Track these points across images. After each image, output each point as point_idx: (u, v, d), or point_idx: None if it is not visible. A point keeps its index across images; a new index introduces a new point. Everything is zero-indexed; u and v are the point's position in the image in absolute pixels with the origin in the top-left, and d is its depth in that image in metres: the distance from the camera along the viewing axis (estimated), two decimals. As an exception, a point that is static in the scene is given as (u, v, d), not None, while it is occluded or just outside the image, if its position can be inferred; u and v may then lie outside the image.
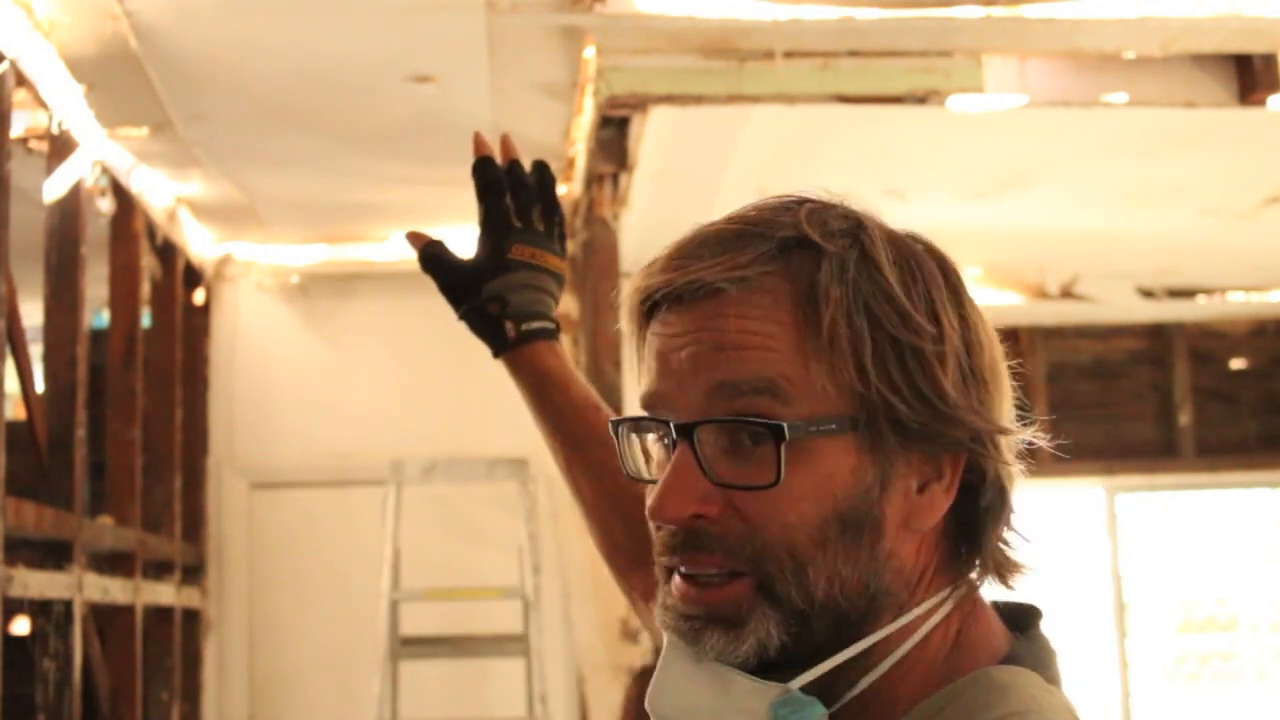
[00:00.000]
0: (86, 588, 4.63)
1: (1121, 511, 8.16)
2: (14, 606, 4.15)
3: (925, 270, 1.14)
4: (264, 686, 6.95)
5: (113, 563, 5.30)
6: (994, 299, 7.70)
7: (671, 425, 1.07)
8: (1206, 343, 8.22)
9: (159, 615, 6.02)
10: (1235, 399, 8.22)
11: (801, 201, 1.20)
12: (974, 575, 1.11)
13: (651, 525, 1.07)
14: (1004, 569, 1.13)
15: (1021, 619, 1.20)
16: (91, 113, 4.80)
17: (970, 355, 1.09)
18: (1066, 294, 7.70)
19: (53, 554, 4.43)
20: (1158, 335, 8.17)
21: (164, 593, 5.96)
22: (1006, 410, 1.16)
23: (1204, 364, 8.20)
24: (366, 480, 6.92)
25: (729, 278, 1.07)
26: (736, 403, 1.03)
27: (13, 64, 3.96)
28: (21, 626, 4.58)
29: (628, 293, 1.13)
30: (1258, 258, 7.48)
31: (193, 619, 6.68)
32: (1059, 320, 7.89)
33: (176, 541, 6.20)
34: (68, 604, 4.44)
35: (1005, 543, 1.12)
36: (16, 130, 4.34)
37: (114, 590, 5.07)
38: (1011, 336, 8.11)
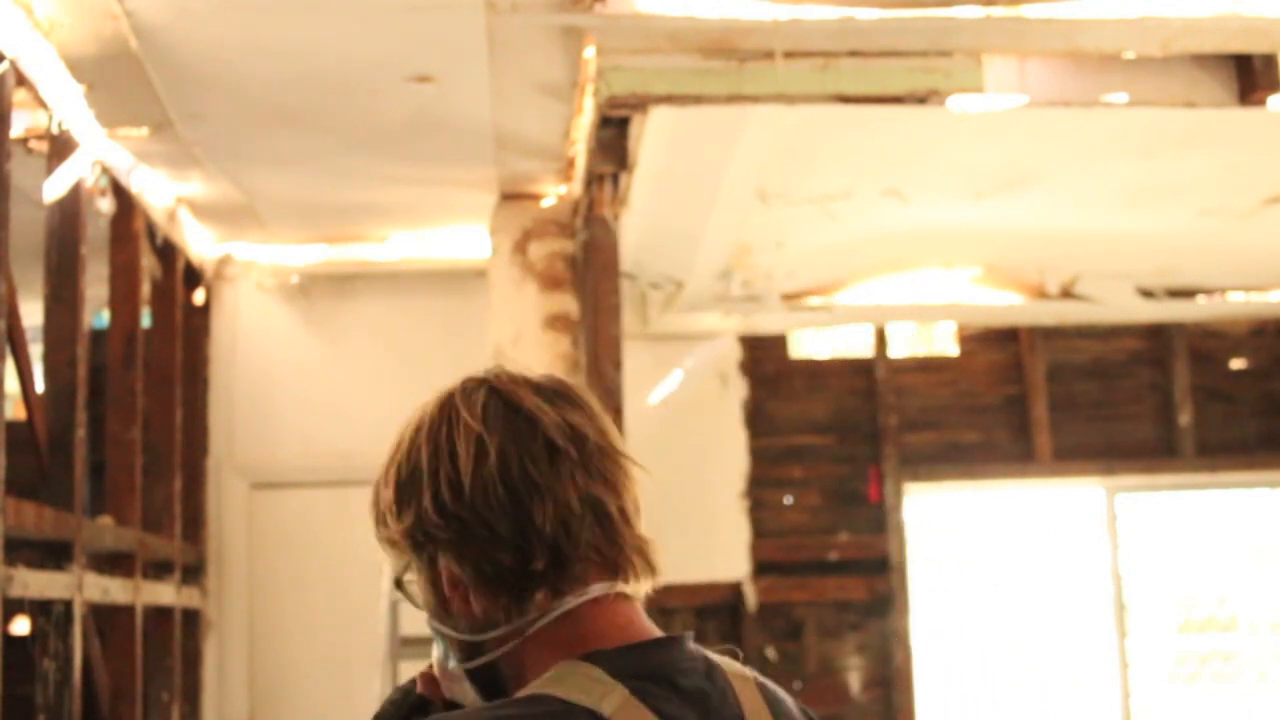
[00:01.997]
0: (86, 588, 4.63)
1: (1121, 511, 8.16)
2: (14, 607, 4.15)
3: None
4: (264, 686, 6.95)
5: (113, 563, 5.30)
6: (994, 299, 7.70)
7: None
8: (1206, 343, 8.22)
9: (159, 615, 6.02)
10: (1235, 399, 8.22)
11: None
12: (534, 609, 1.39)
13: None
14: (562, 592, 1.39)
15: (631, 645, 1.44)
16: (91, 113, 4.80)
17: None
18: (1066, 294, 7.70)
19: (53, 554, 4.43)
20: (1158, 335, 8.17)
21: (164, 593, 5.96)
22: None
23: (1204, 364, 8.20)
24: (366, 480, 6.90)
25: None
26: None
27: (13, 64, 3.96)
28: (22, 627, 4.58)
29: None
30: (1258, 258, 7.48)
31: (193, 619, 6.68)
32: (1059, 320, 7.89)
33: (176, 541, 6.20)
34: (68, 604, 4.44)
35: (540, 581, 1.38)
36: (16, 130, 4.34)
37: (114, 590, 5.07)
38: (1011, 336, 8.13)
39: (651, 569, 1.52)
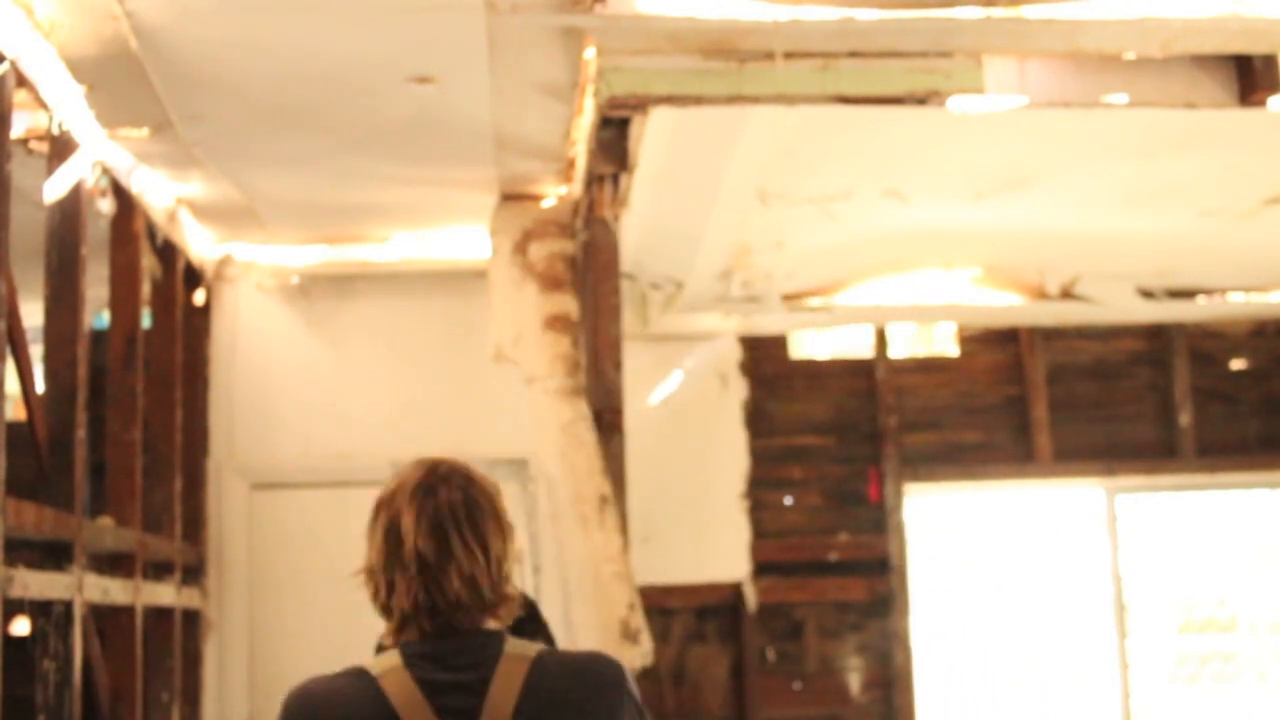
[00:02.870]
0: (87, 588, 4.63)
1: (1122, 512, 8.16)
2: (14, 607, 4.15)
3: None
4: (264, 687, 6.95)
5: (113, 563, 5.30)
6: (994, 299, 7.70)
7: None
8: (1206, 343, 8.22)
9: (159, 616, 6.02)
10: (1235, 399, 8.22)
11: None
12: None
13: None
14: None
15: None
16: (92, 113, 4.80)
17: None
18: (1066, 295, 7.70)
19: (53, 555, 4.43)
20: (1158, 336, 8.17)
21: (164, 593, 5.96)
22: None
23: (1204, 365, 8.20)
24: (366, 480, 6.91)
25: None
26: None
27: (13, 65, 3.96)
28: (22, 627, 4.58)
29: None
30: (1258, 258, 7.48)
31: (193, 619, 6.68)
32: (1059, 321, 7.90)
33: (177, 542, 6.20)
34: (68, 605, 4.44)
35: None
36: (17, 131, 4.34)
37: (114, 591, 5.07)
38: (1012, 337, 8.13)
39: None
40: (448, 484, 2.14)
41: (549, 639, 2.28)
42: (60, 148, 4.67)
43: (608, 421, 5.02)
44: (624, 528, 5.13)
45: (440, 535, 2.07)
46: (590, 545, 5.16)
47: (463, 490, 2.14)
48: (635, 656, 5.05)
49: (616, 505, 5.13)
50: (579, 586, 6.25)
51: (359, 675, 2.10)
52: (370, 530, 2.16)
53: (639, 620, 5.13)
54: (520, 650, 2.09)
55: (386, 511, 2.13)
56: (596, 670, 2.13)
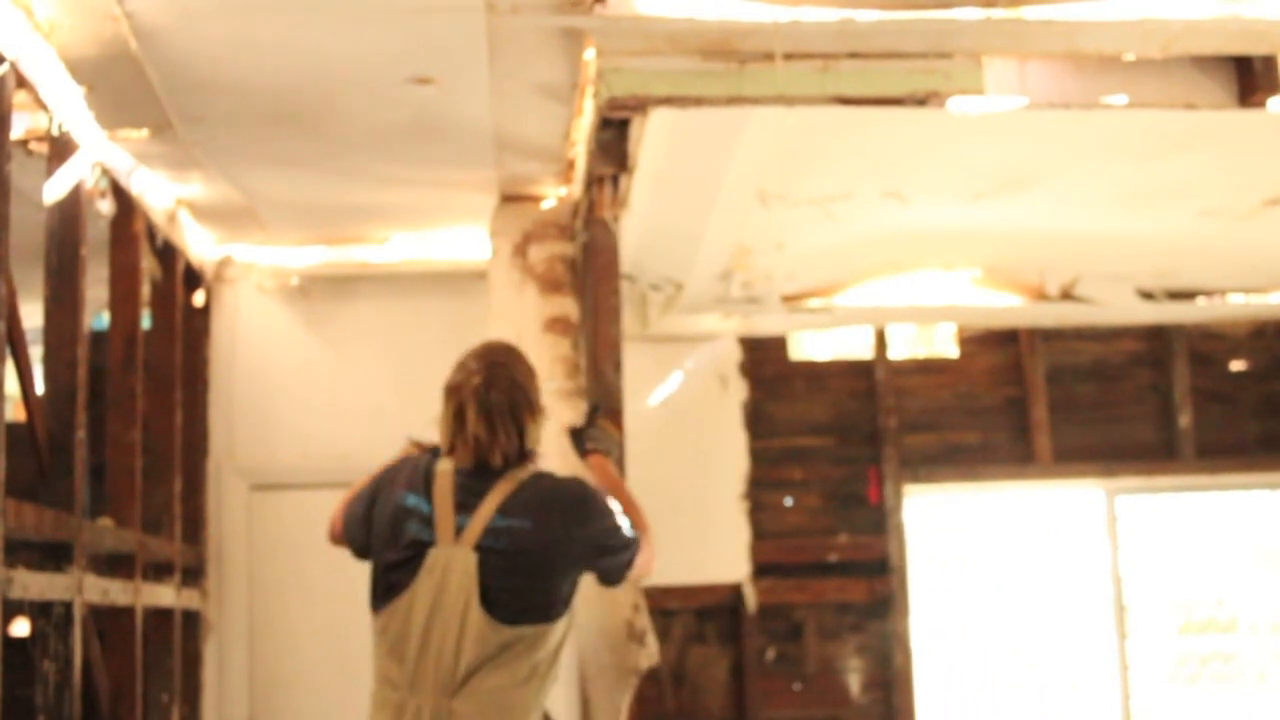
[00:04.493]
0: (86, 589, 4.63)
1: (1121, 513, 8.16)
2: (14, 608, 4.15)
3: None
4: (264, 688, 6.95)
5: (113, 564, 5.30)
6: (994, 300, 7.70)
7: None
8: (1206, 344, 8.22)
9: (159, 617, 6.01)
10: (1235, 401, 8.23)
11: None
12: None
13: None
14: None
15: None
16: (91, 114, 4.80)
17: None
18: (1066, 295, 7.70)
19: (53, 556, 4.43)
20: (1158, 337, 8.18)
21: (164, 594, 5.96)
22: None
23: (1204, 366, 8.20)
24: (366, 482, 6.91)
25: None
26: None
27: (13, 66, 3.96)
28: (22, 628, 4.57)
29: None
30: (1258, 259, 7.48)
31: (193, 620, 6.68)
32: (1059, 322, 7.90)
33: (176, 543, 6.20)
34: (68, 605, 4.44)
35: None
36: (17, 132, 4.34)
37: (114, 592, 5.07)
38: (1011, 338, 8.13)
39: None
40: (498, 387, 3.21)
41: (604, 439, 3.75)
42: (60, 148, 4.67)
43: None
44: None
45: (490, 425, 3.19)
46: None
47: (508, 393, 3.21)
48: (641, 657, 5.05)
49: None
50: (582, 588, 6.25)
51: (431, 460, 3.28)
52: (443, 408, 3.26)
53: (644, 621, 5.13)
54: (516, 474, 3.20)
55: (455, 399, 3.23)
56: (562, 488, 3.24)
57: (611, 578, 3.31)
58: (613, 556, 3.26)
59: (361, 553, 3.38)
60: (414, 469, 3.28)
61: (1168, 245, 7.20)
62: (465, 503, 3.15)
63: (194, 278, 6.77)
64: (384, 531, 3.23)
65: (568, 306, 6.04)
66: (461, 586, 3.09)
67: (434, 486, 3.19)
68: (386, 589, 3.20)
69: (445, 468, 3.22)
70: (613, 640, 5.05)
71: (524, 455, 3.22)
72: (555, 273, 6.05)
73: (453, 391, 3.23)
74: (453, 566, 3.11)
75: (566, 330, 5.98)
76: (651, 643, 5.09)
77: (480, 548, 3.11)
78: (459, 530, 3.13)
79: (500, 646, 3.10)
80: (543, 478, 3.21)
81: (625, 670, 5.12)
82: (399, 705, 3.13)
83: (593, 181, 5.18)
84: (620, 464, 3.97)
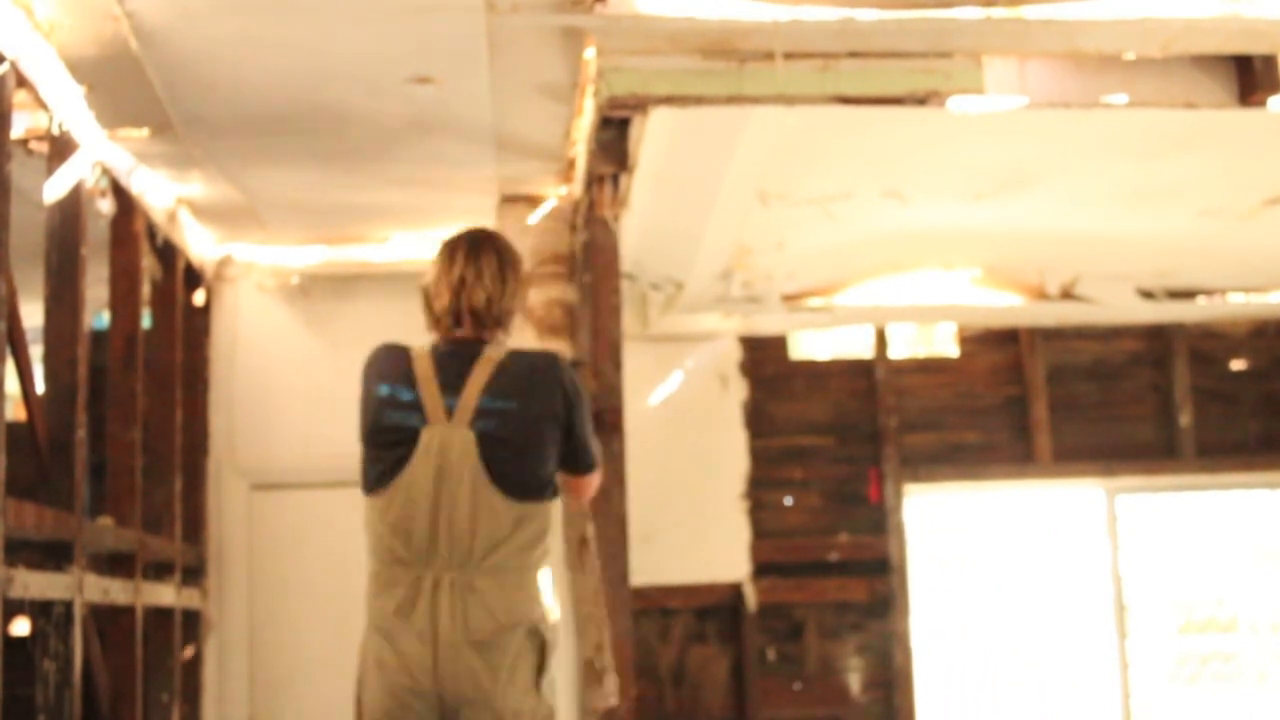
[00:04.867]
0: (87, 589, 4.62)
1: (1122, 512, 8.16)
2: (14, 607, 4.15)
3: None
4: (264, 687, 6.95)
5: (113, 564, 5.30)
6: (994, 300, 7.70)
7: None
8: (1207, 344, 8.22)
9: (159, 616, 6.01)
10: (1235, 400, 8.23)
11: None
12: None
13: None
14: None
15: None
16: (92, 114, 4.80)
17: None
18: (1067, 295, 7.71)
19: (53, 555, 4.43)
20: (1158, 336, 8.18)
21: (164, 594, 5.96)
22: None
23: (1204, 365, 8.21)
24: (367, 481, 6.91)
25: None
26: None
27: (13, 65, 3.96)
28: (22, 627, 4.57)
29: None
30: (1258, 259, 7.48)
31: (193, 620, 6.68)
32: (1059, 321, 7.90)
33: (177, 542, 6.20)
34: (68, 605, 4.44)
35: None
36: (17, 131, 4.34)
37: (114, 591, 5.07)
38: (1012, 338, 8.13)
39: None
40: (490, 244, 3.46)
41: None
42: (60, 148, 4.67)
43: (608, 422, 5.01)
44: (602, 568, 5.10)
45: (476, 268, 3.39)
46: (568, 586, 5.15)
47: (497, 252, 3.43)
48: (598, 698, 5.03)
49: (597, 547, 5.12)
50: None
51: (406, 348, 3.46)
52: (436, 260, 3.47)
53: (605, 661, 5.10)
54: (492, 354, 3.35)
55: (449, 250, 3.45)
56: (539, 363, 3.38)
57: (572, 464, 3.44)
58: (583, 448, 3.43)
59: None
60: (388, 358, 3.47)
61: (1168, 245, 7.20)
62: (449, 383, 3.31)
63: (194, 277, 6.77)
64: (370, 421, 3.42)
65: (565, 351, 6.04)
66: (463, 464, 3.25)
67: (415, 371, 3.36)
68: (381, 473, 3.37)
69: (421, 350, 3.41)
70: (575, 676, 5.06)
71: (500, 319, 3.40)
72: (553, 317, 6.03)
73: (445, 248, 3.46)
74: (450, 444, 3.27)
75: (565, 330, 5.98)
76: (610, 683, 5.07)
77: (474, 428, 3.25)
78: (449, 411, 3.29)
79: (514, 523, 3.27)
80: (519, 356, 3.35)
81: (584, 711, 5.12)
82: (414, 580, 3.28)
83: (593, 181, 5.18)
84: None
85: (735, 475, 7.83)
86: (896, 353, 8.14)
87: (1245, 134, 5.59)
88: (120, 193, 5.43)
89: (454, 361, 3.34)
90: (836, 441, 8.00)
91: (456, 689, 3.29)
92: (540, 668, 3.32)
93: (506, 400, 3.28)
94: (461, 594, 3.27)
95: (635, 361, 6.86)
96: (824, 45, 4.41)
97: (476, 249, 3.42)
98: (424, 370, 3.36)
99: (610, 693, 5.09)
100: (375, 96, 4.86)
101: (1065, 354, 8.16)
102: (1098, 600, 8.07)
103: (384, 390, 3.40)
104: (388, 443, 3.36)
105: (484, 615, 3.26)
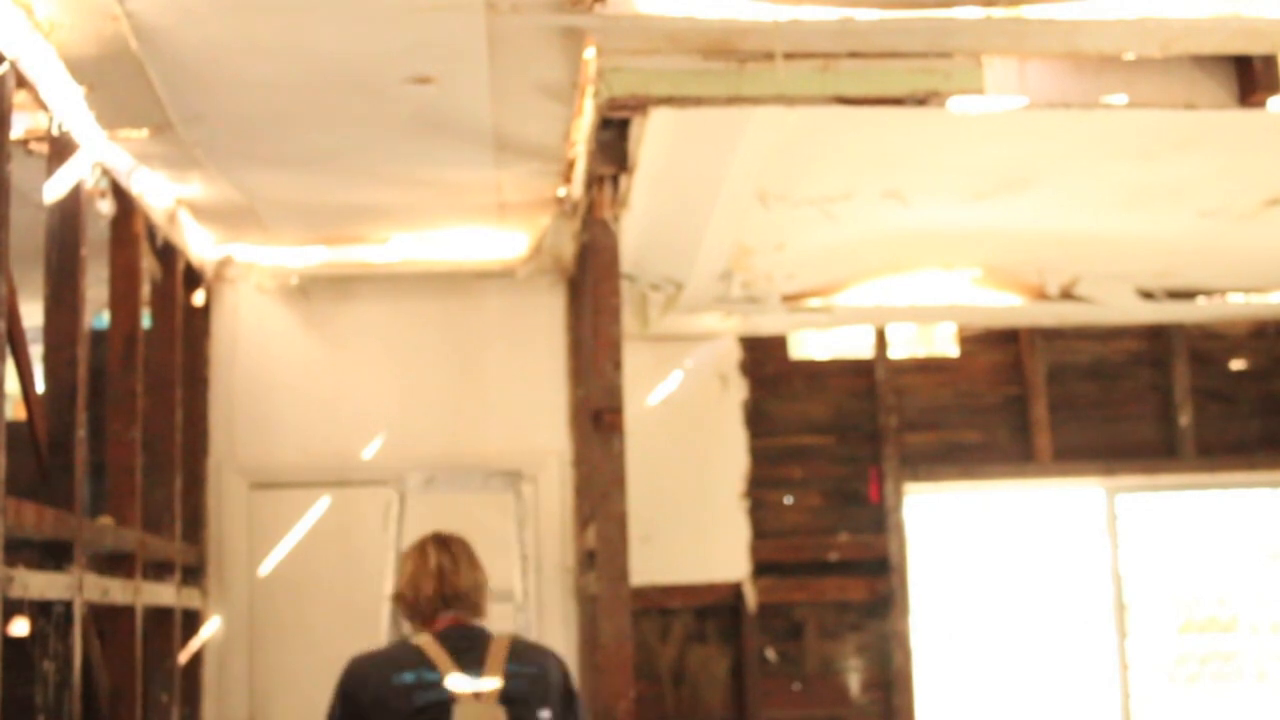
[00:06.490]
0: (86, 588, 4.63)
1: (1122, 512, 8.16)
2: (14, 607, 4.14)
3: None
4: (264, 687, 6.95)
5: (113, 563, 5.30)
6: (994, 300, 7.70)
7: None
8: (1206, 344, 8.22)
9: (159, 616, 6.02)
10: (1235, 400, 8.23)
11: None
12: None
13: None
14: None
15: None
16: (92, 114, 4.80)
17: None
18: (1066, 295, 7.71)
19: (53, 555, 4.43)
20: (1158, 336, 8.18)
21: (164, 593, 5.96)
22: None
23: (1204, 365, 8.20)
24: (366, 480, 6.93)
25: None
26: None
27: (13, 65, 3.96)
28: (21, 627, 4.57)
29: None
30: (1258, 259, 7.48)
31: (193, 620, 6.68)
32: (1059, 321, 7.90)
33: (177, 542, 6.20)
34: (68, 605, 4.44)
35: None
36: (17, 132, 4.34)
37: (114, 591, 5.07)
38: (1012, 337, 8.13)
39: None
40: (453, 539, 3.93)
41: None
42: (60, 148, 4.67)
43: (608, 421, 5.01)
44: (602, 568, 5.09)
45: (451, 558, 3.85)
46: None
47: (463, 547, 3.91)
48: None
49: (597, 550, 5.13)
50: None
51: (403, 641, 3.80)
52: (407, 560, 3.90)
53: None
54: (501, 634, 3.79)
55: (419, 550, 3.90)
56: (541, 646, 3.91)
57: None
58: (579, 713, 3.82)
59: None
60: (396, 652, 3.78)
61: (1168, 245, 7.20)
62: (467, 665, 3.65)
63: (194, 278, 6.78)
64: (398, 708, 3.59)
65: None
66: None
67: (427, 656, 3.66)
68: None
69: (424, 639, 3.72)
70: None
71: (480, 603, 3.84)
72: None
73: (413, 550, 3.91)
74: (483, 716, 3.63)
75: (566, 330, 5.95)
76: None
77: (502, 696, 3.62)
78: (476, 693, 3.63)
79: None
80: (521, 639, 3.87)
81: None
82: None
83: (593, 181, 5.18)
84: None
85: (735, 475, 7.83)
86: (896, 353, 8.13)
87: (1245, 134, 5.59)
88: (120, 193, 5.43)
89: (465, 643, 3.70)
90: (836, 441, 8.00)
91: None
92: None
93: (529, 666, 3.71)
94: None
95: (635, 361, 6.86)
96: (824, 45, 4.41)
97: (444, 542, 3.88)
98: (437, 654, 3.66)
99: None
100: (375, 96, 4.86)
101: (1065, 354, 8.16)
102: (1097, 600, 8.07)
103: (409, 678, 3.62)
104: None
105: None
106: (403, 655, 3.68)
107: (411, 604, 3.79)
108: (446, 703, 3.56)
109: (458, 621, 3.74)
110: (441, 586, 3.75)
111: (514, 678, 3.64)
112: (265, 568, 7.02)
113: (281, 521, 7.07)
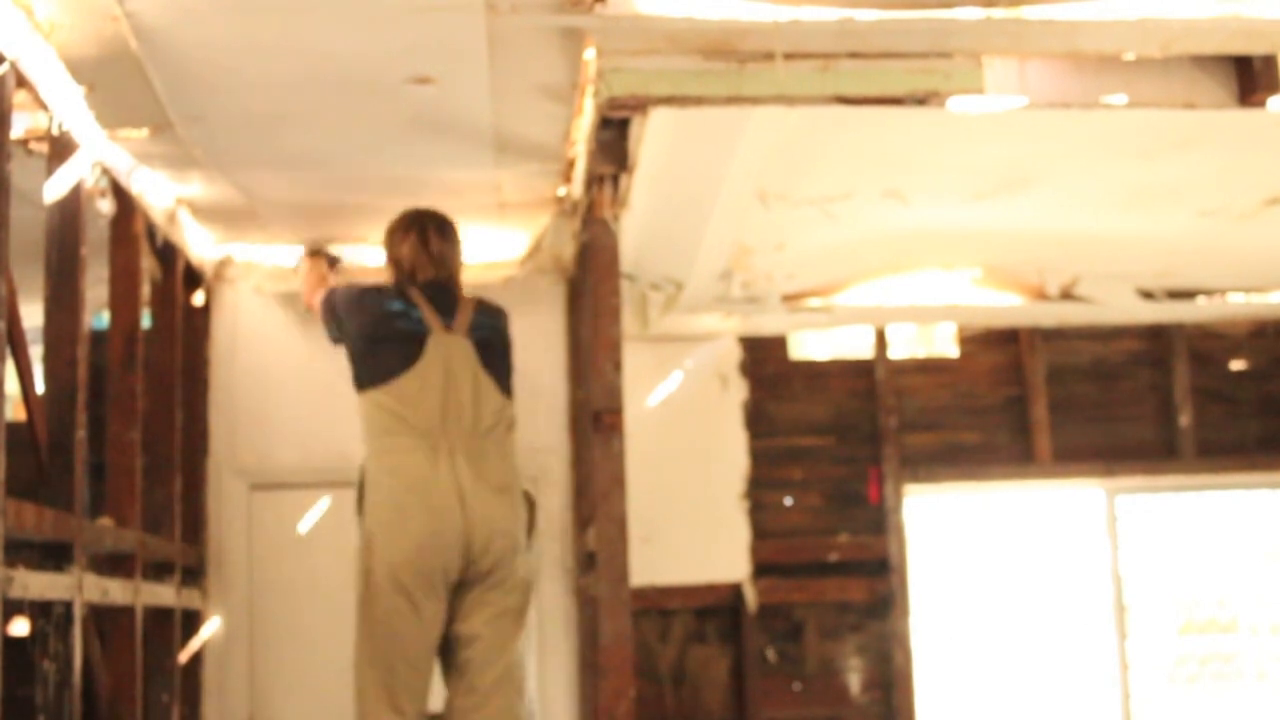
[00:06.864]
0: (86, 589, 4.63)
1: (1122, 513, 8.16)
2: (14, 608, 4.15)
3: None
4: (264, 687, 6.95)
5: (113, 564, 5.30)
6: (994, 300, 7.70)
7: None
8: (1206, 344, 8.22)
9: (159, 616, 6.01)
10: (1235, 400, 8.23)
11: None
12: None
13: None
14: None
15: None
16: (92, 114, 4.80)
17: None
18: (1066, 295, 7.71)
19: (53, 555, 4.43)
20: (1158, 336, 8.18)
21: (164, 594, 5.96)
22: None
23: (1204, 365, 8.21)
24: (366, 481, 6.90)
25: None
26: None
27: (13, 65, 3.96)
28: (21, 628, 4.58)
29: None
30: (1258, 259, 7.48)
31: (193, 620, 6.68)
32: (1059, 321, 7.90)
33: (177, 543, 6.20)
34: (68, 605, 4.44)
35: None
36: (17, 131, 4.34)
37: (114, 591, 5.07)
38: (1011, 338, 8.13)
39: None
40: (441, 224, 4.99)
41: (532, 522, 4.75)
42: (60, 148, 4.67)
43: (607, 422, 5.01)
44: (602, 568, 5.08)
45: (440, 236, 4.91)
46: None
47: (451, 228, 5.00)
48: None
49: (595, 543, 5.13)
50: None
51: (389, 285, 4.80)
52: (401, 237, 4.93)
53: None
54: (470, 296, 4.80)
55: (417, 227, 4.96)
56: (501, 307, 4.93)
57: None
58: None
59: (335, 339, 5.02)
60: (389, 289, 4.79)
61: (1168, 244, 7.20)
62: (442, 309, 4.69)
63: (194, 277, 6.77)
64: (375, 330, 4.65)
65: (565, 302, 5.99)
66: (464, 362, 4.60)
67: (412, 298, 4.69)
68: (389, 369, 4.59)
69: (410, 289, 4.73)
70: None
71: (459, 272, 4.89)
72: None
73: (399, 227, 4.93)
74: (454, 349, 4.60)
75: (565, 329, 5.93)
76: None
77: (470, 337, 4.65)
78: (446, 327, 4.65)
79: (499, 409, 4.64)
80: (486, 299, 4.89)
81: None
82: (430, 446, 4.49)
83: (593, 181, 5.18)
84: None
85: (735, 475, 7.83)
86: (896, 353, 8.13)
87: (1245, 134, 5.59)
88: (120, 193, 5.43)
89: (442, 295, 4.76)
90: (836, 441, 8.00)
91: (486, 525, 4.43)
92: (530, 525, 4.67)
93: (492, 319, 4.80)
94: (474, 455, 4.48)
95: (635, 362, 6.86)
96: (824, 45, 4.41)
97: (442, 230, 4.94)
98: (420, 298, 4.71)
99: None
100: (375, 97, 4.86)
101: (1065, 354, 8.16)
102: (1097, 601, 8.07)
103: (397, 305, 4.64)
104: (398, 346, 4.57)
105: (495, 469, 4.51)
106: (392, 290, 4.75)
107: (401, 269, 4.84)
108: (424, 334, 4.57)
109: (437, 280, 4.78)
110: (426, 255, 4.79)
111: (478, 327, 4.70)
112: (265, 568, 7.02)
113: (281, 522, 7.07)
